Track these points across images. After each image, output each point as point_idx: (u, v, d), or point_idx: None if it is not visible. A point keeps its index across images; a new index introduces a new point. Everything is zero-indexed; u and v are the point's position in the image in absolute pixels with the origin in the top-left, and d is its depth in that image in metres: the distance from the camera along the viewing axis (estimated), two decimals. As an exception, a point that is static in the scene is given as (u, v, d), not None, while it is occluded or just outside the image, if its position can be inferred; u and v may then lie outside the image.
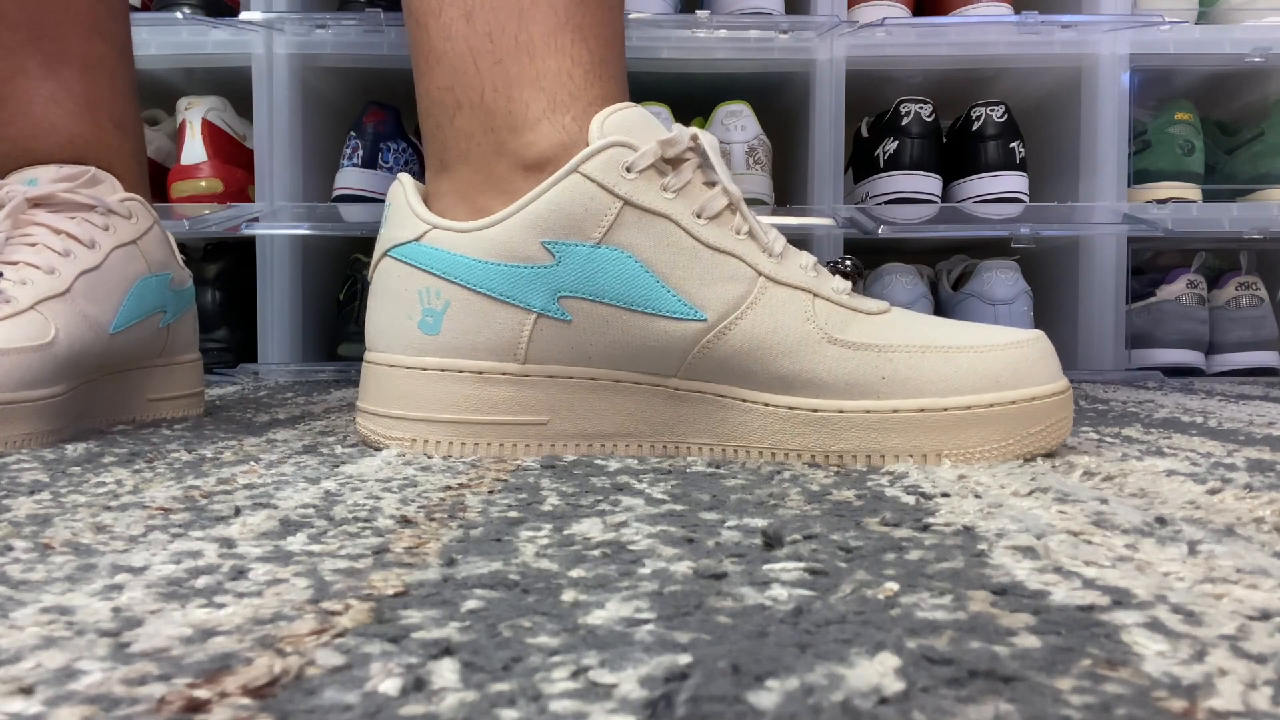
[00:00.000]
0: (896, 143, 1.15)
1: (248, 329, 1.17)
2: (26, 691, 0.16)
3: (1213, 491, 0.35)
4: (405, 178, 0.48)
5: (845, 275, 0.47)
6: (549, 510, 0.32)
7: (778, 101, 1.28)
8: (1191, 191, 1.19)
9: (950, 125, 1.21)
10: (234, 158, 1.16)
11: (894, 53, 1.16)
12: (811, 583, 0.23)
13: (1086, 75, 1.16)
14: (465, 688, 0.17)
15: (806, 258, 0.46)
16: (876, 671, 0.17)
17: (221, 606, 0.21)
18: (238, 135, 1.17)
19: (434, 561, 0.25)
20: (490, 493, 0.35)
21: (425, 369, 0.45)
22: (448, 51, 0.47)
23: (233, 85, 1.15)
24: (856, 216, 1.13)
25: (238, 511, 0.31)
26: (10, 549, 0.27)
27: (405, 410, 0.46)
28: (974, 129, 1.15)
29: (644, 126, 0.45)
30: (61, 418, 0.50)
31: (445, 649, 0.18)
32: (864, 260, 1.26)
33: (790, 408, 0.44)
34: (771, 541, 0.27)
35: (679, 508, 0.33)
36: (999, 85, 1.27)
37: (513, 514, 0.32)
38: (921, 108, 1.15)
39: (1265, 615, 0.21)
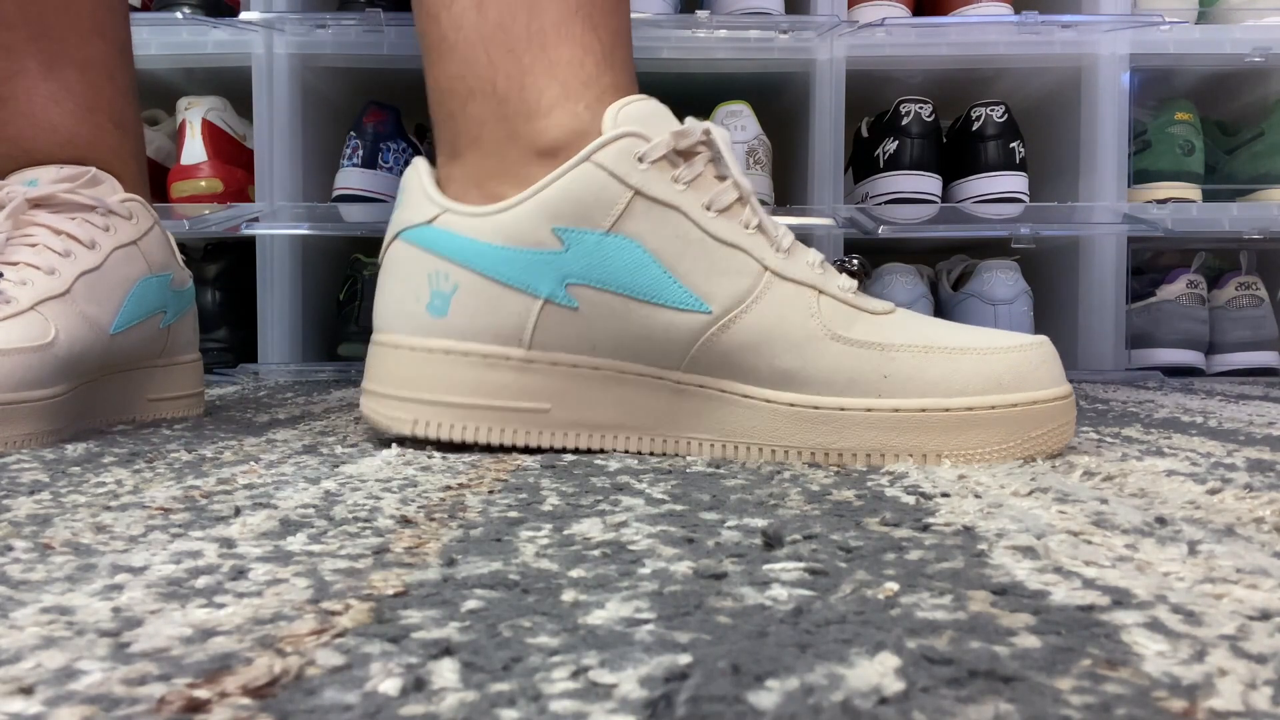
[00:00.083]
0: (896, 143, 1.15)
1: (248, 329, 1.17)
2: (26, 691, 0.16)
3: (1213, 491, 0.35)
4: (420, 162, 0.48)
5: (852, 274, 0.47)
6: (549, 510, 0.32)
7: (778, 101, 1.28)
8: (1191, 191, 1.19)
9: (950, 125, 1.21)
10: (234, 158, 1.16)
11: (894, 53, 1.16)
12: (811, 583, 0.23)
13: (1086, 75, 1.16)
14: (465, 688, 0.17)
15: (814, 255, 0.46)
16: (876, 671, 0.17)
17: (221, 606, 0.21)
18: (238, 135, 1.17)
19: (434, 561, 0.25)
20: (490, 493, 0.35)
21: (430, 350, 0.46)
22: (459, 41, 0.47)
23: (233, 85, 1.15)
24: (856, 216, 1.13)
25: (238, 511, 0.31)
26: (10, 549, 0.27)
27: (408, 391, 0.46)
28: (974, 129, 1.15)
29: (658, 118, 0.45)
30: (61, 418, 0.50)
31: (445, 649, 0.18)
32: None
33: (792, 404, 0.44)
34: (771, 541, 0.27)
35: (679, 508, 0.33)
36: (999, 85, 1.27)
37: (513, 514, 0.32)
38: (921, 108, 1.15)
39: (1265, 615, 0.21)
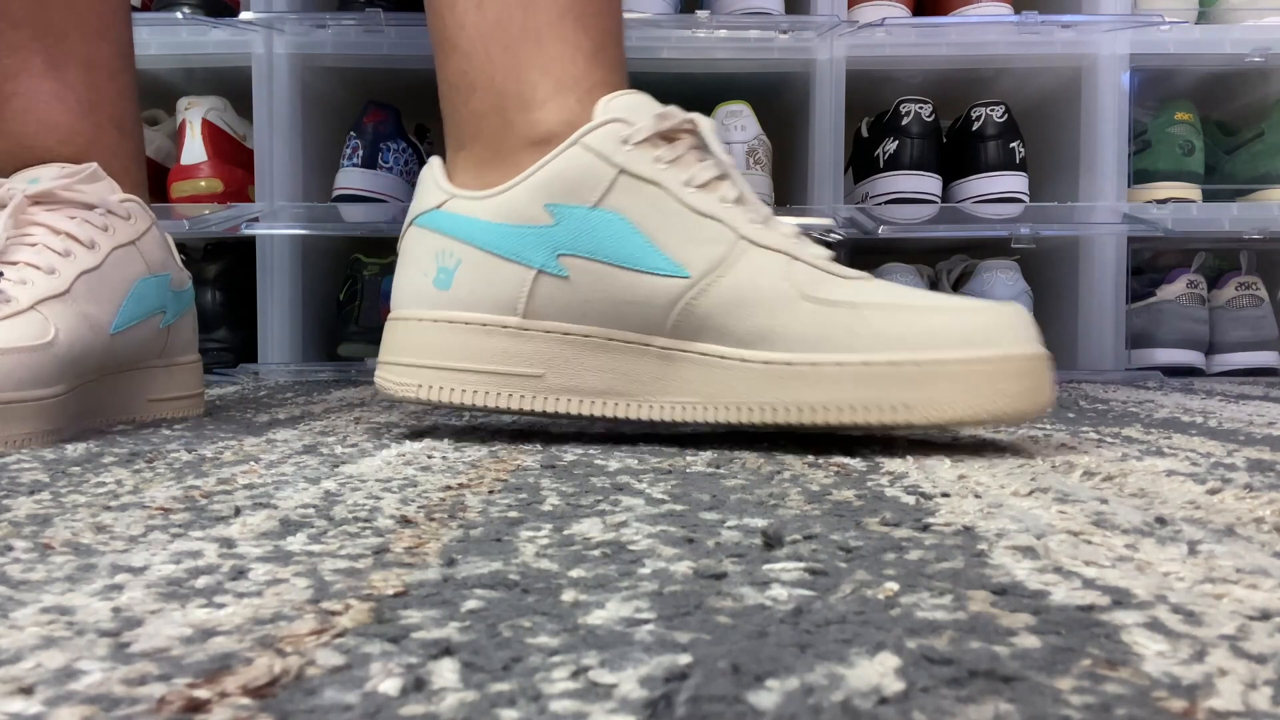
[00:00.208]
0: (896, 143, 1.15)
1: (248, 329, 1.17)
2: (26, 691, 0.16)
3: (1213, 491, 0.35)
4: (435, 160, 0.53)
5: (828, 246, 0.51)
6: (549, 510, 0.32)
7: (778, 101, 1.28)
8: (1191, 191, 1.19)
9: (950, 125, 1.21)
10: (234, 158, 1.16)
11: (894, 53, 1.16)
12: (811, 583, 0.23)
13: (1086, 75, 1.16)
14: (465, 688, 0.17)
15: (790, 227, 0.49)
16: (876, 671, 0.17)
17: (221, 606, 0.21)
18: (238, 135, 1.17)
19: (434, 561, 0.25)
20: (490, 493, 0.35)
21: (435, 320, 0.50)
22: (461, 39, 0.51)
23: (233, 85, 1.15)
24: (856, 216, 1.13)
25: (238, 511, 0.31)
26: (10, 549, 0.27)
27: (414, 359, 0.50)
28: (974, 129, 1.15)
29: (644, 107, 0.49)
30: (61, 418, 0.50)
31: (445, 649, 0.18)
32: (864, 260, 1.26)
33: (767, 362, 0.46)
34: (771, 541, 0.27)
35: (679, 508, 0.33)
36: (999, 85, 1.27)
37: (513, 514, 0.32)
38: (921, 108, 1.15)
39: (1265, 615, 0.21)
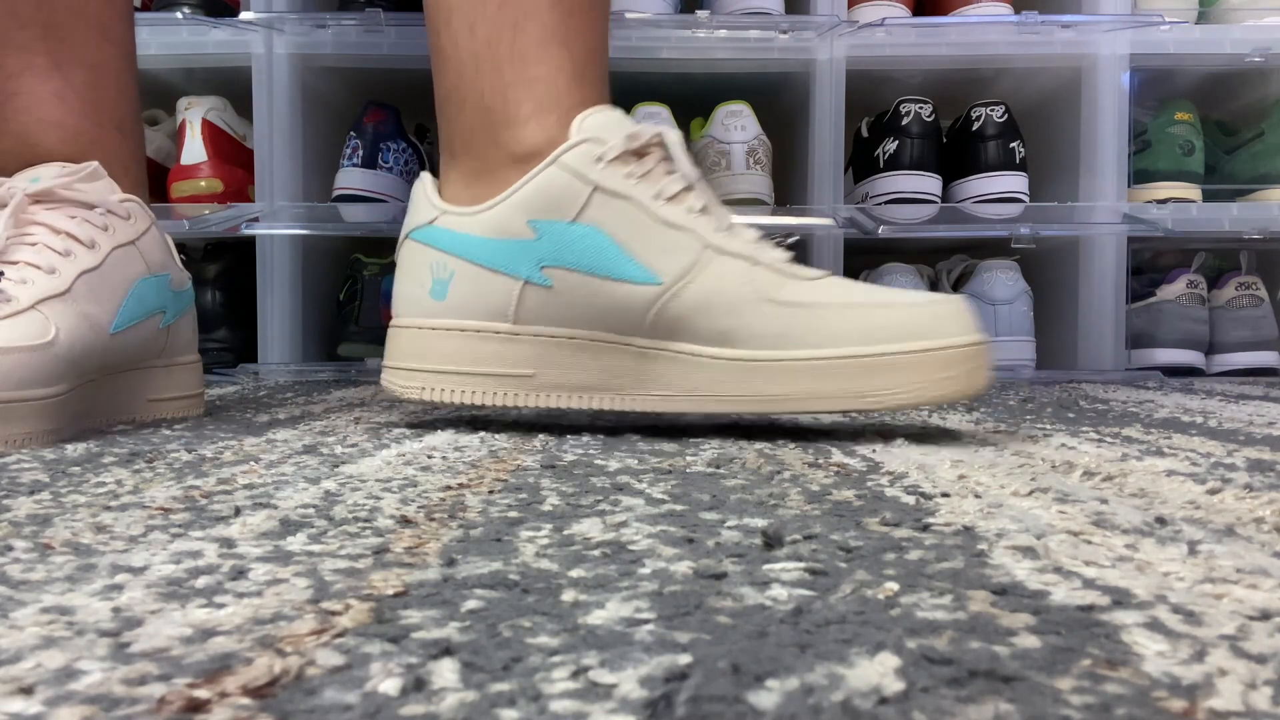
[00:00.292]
0: (896, 143, 1.15)
1: (248, 329, 1.17)
2: (26, 691, 0.16)
3: (1213, 491, 0.35)
4: (426, 176, 0.57)
5: (788, 249, 0.55)
6: (549, 510, 0.32)
7: (778, 101, 1.28)
8: (1191, 191, 1.19)
9: (950, 125, 1.21)
10: (234, 158, 1.16)
11: (894, 53, 1.16)
12: (811, 583, 0.23)
13: (1086, 75, 1.16)
14: (465, 688, 0.17)
15: (751, 233, 0.53)
16: (876, 671, 0.17)
17: (221, 606, 0.21)
18: (238, 135, 1.17)
19: (434, 561, 0.25)
20: (490, 493, 0.35)
21: (434, 328, 0.54)
22: (454, 56, 0.54)
23: (233, 85, 1.15)
24: (856, 216, 1.13)
25: (238, 511, 0.31)
26: (10, 549, 0.27)
27: (416, 363, 0.54)
28: (974, 129, 1.15)
29: (616, 125, 0.52)
30: (61, 418, 0.50)
31: (445, 649, 0.18)
32: (864, 260, 1.26)
33: (732, 359, 0.50)
34: (771, 541, 0.27)
35: (679, 508, 0.33)
36: (999, 85, 1.27)
37: (513, 514, 0.32)
38: (921, 108, 1.15)
39: (1265, 615, 0.21)
